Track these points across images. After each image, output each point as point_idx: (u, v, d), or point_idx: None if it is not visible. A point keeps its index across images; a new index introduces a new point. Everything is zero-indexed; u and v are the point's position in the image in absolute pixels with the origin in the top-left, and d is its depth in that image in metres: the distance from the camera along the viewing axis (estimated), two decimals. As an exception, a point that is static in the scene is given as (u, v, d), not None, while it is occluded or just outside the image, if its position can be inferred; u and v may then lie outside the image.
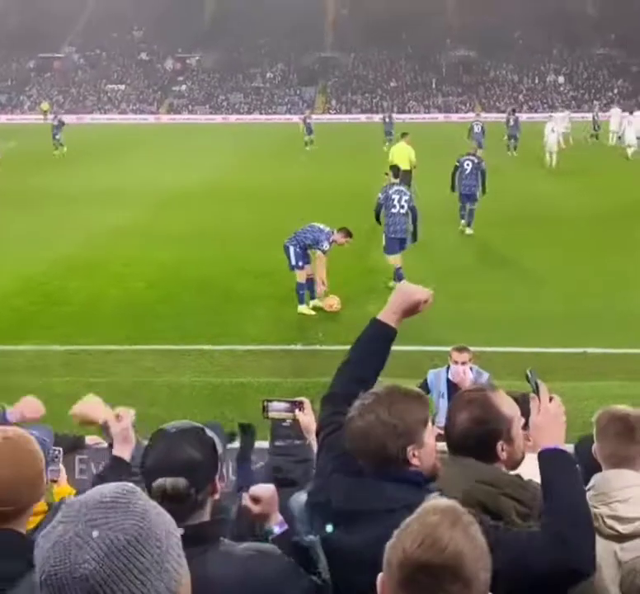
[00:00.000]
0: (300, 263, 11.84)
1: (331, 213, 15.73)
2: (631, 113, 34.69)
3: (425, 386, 6.74)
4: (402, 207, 13.25)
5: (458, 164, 18.00)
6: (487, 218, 18.17)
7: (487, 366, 7.07)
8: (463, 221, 18.22)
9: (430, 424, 2.44)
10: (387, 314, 2.78)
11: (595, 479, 2.96)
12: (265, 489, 2.69)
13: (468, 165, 17.82)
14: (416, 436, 2.36)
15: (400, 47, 78.74)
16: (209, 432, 2.38)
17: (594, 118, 41.00)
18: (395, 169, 14.87)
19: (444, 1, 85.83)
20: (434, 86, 74.67)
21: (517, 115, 36.10)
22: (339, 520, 2.39)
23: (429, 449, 2.40)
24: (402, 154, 19.48)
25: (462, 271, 14.31)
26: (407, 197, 13.39)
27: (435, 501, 1.84)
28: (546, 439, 2.44)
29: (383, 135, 36.98)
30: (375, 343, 2.78)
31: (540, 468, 2.44)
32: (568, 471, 2.41)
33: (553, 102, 69.12)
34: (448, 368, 6.78)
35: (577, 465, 2.51)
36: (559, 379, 7.60)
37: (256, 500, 2.67)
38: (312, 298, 12.17)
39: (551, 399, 2.52)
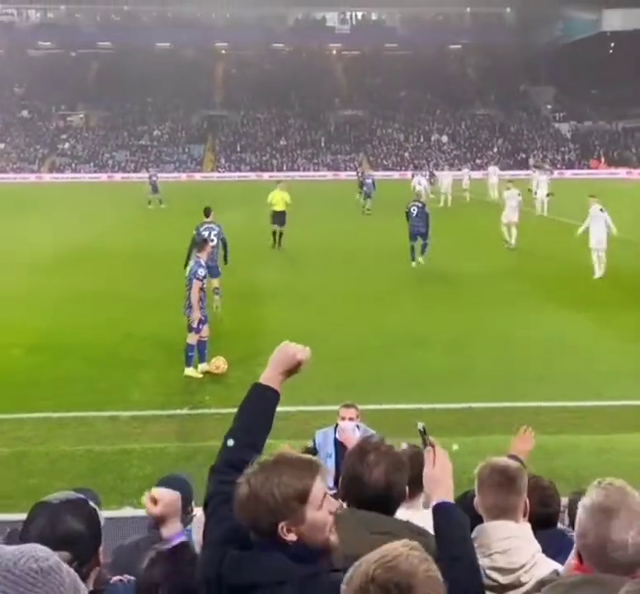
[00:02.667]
0: (200, 326, 11.66)
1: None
2: (551, 172, 34.15)
3: (313, 447, 6.73)
4: (213, 240, 15.24)
5: (407, 210, 21.29)
6: (366, 273, 18.83)
7: (374, 425, 6.91)
8: (414, 262, 20.91)
9: (317, 495, 2.30)
10: (268, 377, 2.76)
11: (477, 531, 2.98)
12: (167, 492, 2.71)
13: (414, 209, 21.07)
14: (291, 512, 2.26)
15: (289, 106, 79.47)
16: (92, 503, 2.40)
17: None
18: (207, 210, 16.23)
19: (332, 61, 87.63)
20: (323, 144, 75.35)
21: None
22: None
23: (314, 523, 2.28)
24: (278, 198, 24.41)
25: (343, 328, 14.14)
26: (215, 232, 15.68)
27: (394, 544, 1.88)
28: (440, 492, 2.50)
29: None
30: (259, 407, 2.74)
31: (435, 520, 2.50)
32: (462, 524, 2.52)
33: (438, 160, 70.70)
34: (336, 427, 6.68)
35: (468, 518, 2.55)
36: (446, 434, 7.66)
37: (155, 501, 2.68)
38: (202, 361, 11.82)
39: (441, 452, 2.55)
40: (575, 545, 2.50)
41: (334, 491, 2.84)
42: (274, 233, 24.35)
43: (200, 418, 9.87)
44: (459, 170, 45.63)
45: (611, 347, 13.09)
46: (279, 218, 24.28)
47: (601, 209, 19.42)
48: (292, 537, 2.27)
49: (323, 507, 2.32)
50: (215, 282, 15.29)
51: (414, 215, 20.96)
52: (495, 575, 2.90)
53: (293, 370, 2.78)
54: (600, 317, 15.00)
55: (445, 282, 18.93)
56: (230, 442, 2.69)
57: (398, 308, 15.96)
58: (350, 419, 6.58)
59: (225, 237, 15.74)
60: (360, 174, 42.14)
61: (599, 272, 18.90)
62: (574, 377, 11.31)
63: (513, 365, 11.96)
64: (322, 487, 2.34)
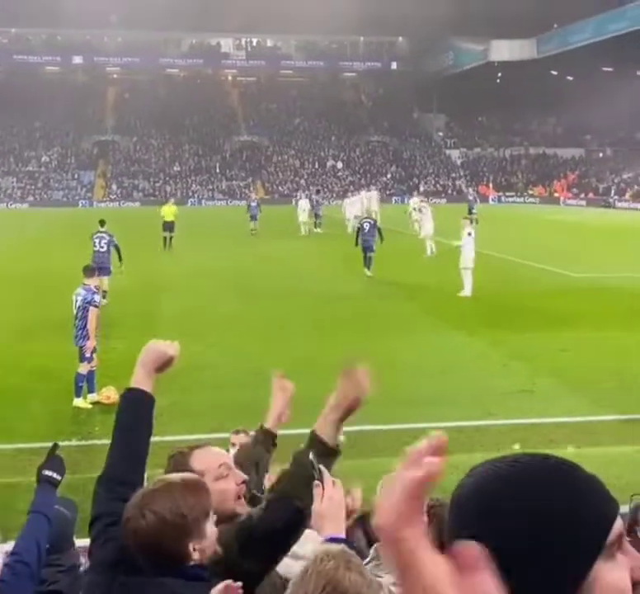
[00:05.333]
0: (92, 355, 11.55)
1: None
2: (423, 202, 34.19)
3: None
4: (102, 247, 18.46)
5: (359, 226, 24.23)
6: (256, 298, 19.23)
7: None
8: (366, 270, 23.22)
9: (211, 512, 2.34)
10: (139, 379, 2.69)
11: (375, 550, 3.01)
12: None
13: (366, 225, 23.76)
14: (196, 529, 2.29)
15: (184, 131, 78.52)
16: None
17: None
18: (101, 221, 19.59)
19: (227, 87, 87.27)
20: (218, 170, 74.61)
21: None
22: None
23: (210, 539, 2.34)
24: (168, 211, 31.28)
25: (235, 353, 13.83)
26: (105, 240, 18.59)
27: (326, 547, 1.95)
28: (330, 528, 2.42)
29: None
30: (136, 413, 2.67)
31: None
32: None
33: (333, 186, 70.97)
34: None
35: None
36: (345, 457, 6.91)
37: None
38: (91, 391, 11.60)
39: (333, 483, 2.44)
40: None
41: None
42: (165, 238, 30.85)
43: (90, 449, 9.49)
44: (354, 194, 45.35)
45: (495, 366, 13.28)
46: (168, 226, 30.95)
47: (469, 233, 20.04)
48: (197, 555, 2.29)
49: (212, 521, 2.36)
50: (105, 282, 17.78)
51: (366, 231, 23.47)
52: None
53: (163, 366, 2.74)
54: (481, 336, 15.28)
55: (332, 304, 18.83)
56: (113, 456, 2.63)
57: (287, 332, 15.76)
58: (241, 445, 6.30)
59: (117, 244, 18.75)
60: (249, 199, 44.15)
61: (468, 292, 19.50)
62: (464, 397, 11.45)
63: (402, 387, 11.92)
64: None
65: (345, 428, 9.85)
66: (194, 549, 2.30)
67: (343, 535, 2.46)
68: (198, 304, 19.01)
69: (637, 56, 61.30)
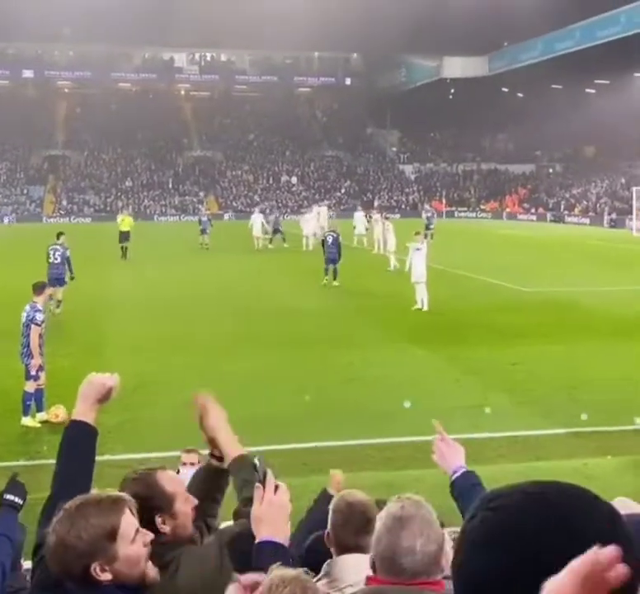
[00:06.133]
0: (39, 373, 11.39)
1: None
2: (386, 218, 33.44)
3: None
4: (57, 259, 19.34)
5: (323, 238, 25.33)
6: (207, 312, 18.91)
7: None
8: (327, 277, 24.31)
9: (127, 530, 2.29)
10: (82, 411, 2.78)
11: (328, 565, 3.08)
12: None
13: (329, 238, 24.69)
14: (102, 551, 2.26)
15: (136, 146, 77.87)
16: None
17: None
18: (58, 233, 20.35)
19: (181, 102, 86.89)
20: (170, 185, 74.08)
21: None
22: None
23: (127, 558, 2.28)
24: (124, 222, 32.59)
25: (187, 371, 13.47)
26: (59, 252, 19.41)
27: (281, 571, 1.95)
28: (265, 530, 2.38)
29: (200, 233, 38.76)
30: (79, 445, 2.74)
31: (254, 558, 2.36)
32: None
33: (287, 201, 70.94)
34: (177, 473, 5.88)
35: (291, 559, 2.45)
36: (292, 474, 7.71)
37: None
38: (39, 410, 11.42)
39: (277, 488, 2.42)
40: (370, 555, 2.56)
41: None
42: (122, 248, 32.16)
43: (37, 469, 9.01)
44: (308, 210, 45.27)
45: (447, 381, 13.31)
46: (124, 236, 32.32)
47: (418, 249, 20.10)
48: (107, 576, 2.25)
49: (136, 541, 2.32)
50: (60, 293, 18.96)
51: (329, 243, 24.46)
52: None
53: (104, 398, 2.83)
54: (434, 351, 15.31)
55: (286, 320, 18.69)
56: (57, 486, 2.68)
57: (238, 349, 15.56)
58: (191, 464, 6.56)
59: (69, 257, 19.53)
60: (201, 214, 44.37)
61: (424, 306, 19.52)
62: (416, 412, 11.35)
63: (356, 402, 12.03)
64: (132, 521, 2.33)
65: (296, 445, 9.67)
66: (103, 570, 2.26)
67: (279, 540, 2.38)
68: (147, 322, 18.71)
69: (584, 74, 62.54)
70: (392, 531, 2.48)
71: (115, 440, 10.02)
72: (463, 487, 3.11)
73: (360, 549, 3.15)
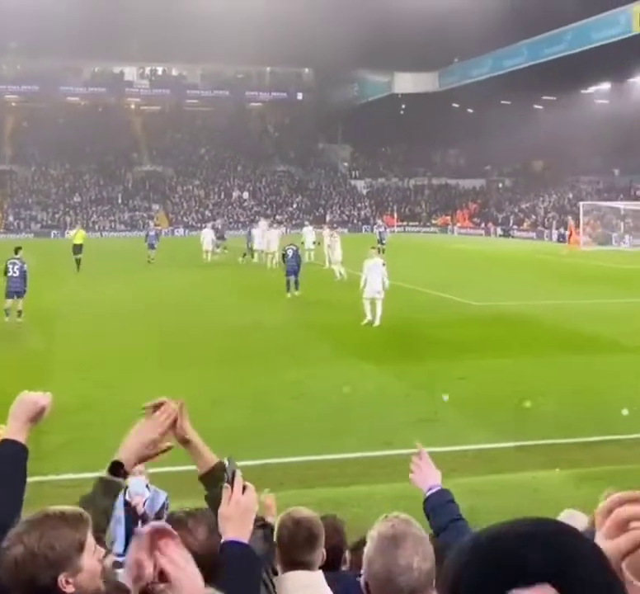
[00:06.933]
0: None
1: None
2: (334, 228, 34.39)
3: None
4: (15, 273, 20.35)
5: (284, 252, 26.44)
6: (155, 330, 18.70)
7: (167, 486, 6.54)
8: (288, 293, 24.93)
9: (89, 545, 2.28)
10: (14, 431, 2.73)
11: (276, 581, 3.06)
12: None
13: (290, 252, 25.75)
14: (68, 562, 2.24)
15: (84, 161, 76.92)
16: None
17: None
18: (16, 248, 21.43)
19: (130, 116, 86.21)
20: (120, 201, 73.30)
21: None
22: None
23: (89, 572, 2.28)
24: (79, 235, 34.66)
25: (136, 388, 12.94)
26: (17, 266, 20.42)
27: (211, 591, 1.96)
28: (232, 531, 2.42)
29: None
30: (10, 465, 2.70)
31: (222, 560, 2.41)
32: (251, 564, 2.46)
33: (239, 217, 70.68)
34: (125, 489, 6.13)
35: (257, 558, 2.53)
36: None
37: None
38: None
39: (245, 489, 2.45)
40: (362, 578, 2.55)
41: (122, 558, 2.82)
42: (77, 260, 33.59)
43: None
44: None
45: (397, 396, 13.28)
46: (77, 249, 33.83)
47: (381, 264, 20.21)
48: (71, 588, 2.24)
49: (95, 554, 2.34)
50: (20, 303, 20.45)
51: (290, 257, 25.43)
52: None
53: (37, 417, 2.77)
54: (384, 366, 15.27)
55: (234, 335, 18.49)
56: None
57: (187, 364, 15.31)
58: (140, 473, 6.47)
59: (26, 270, 20.58)
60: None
61: (376, 320, 19.52)
62: (364, 428, 11.43)
63: (305, 419, 11.95)
64: (90, 535, 2.32)
65: (247, 462, 9.49)
66: (66, 583, 2.24)
67: (245, 540, 2.43)
68: (91, 339, 18.34)
69: (532, 90, 63.64)
70: (387, 551, 2.48)
71: (60, 460, 9.72)
72: (437, 503, 3.27)
73: (306, 565, 3.18)
